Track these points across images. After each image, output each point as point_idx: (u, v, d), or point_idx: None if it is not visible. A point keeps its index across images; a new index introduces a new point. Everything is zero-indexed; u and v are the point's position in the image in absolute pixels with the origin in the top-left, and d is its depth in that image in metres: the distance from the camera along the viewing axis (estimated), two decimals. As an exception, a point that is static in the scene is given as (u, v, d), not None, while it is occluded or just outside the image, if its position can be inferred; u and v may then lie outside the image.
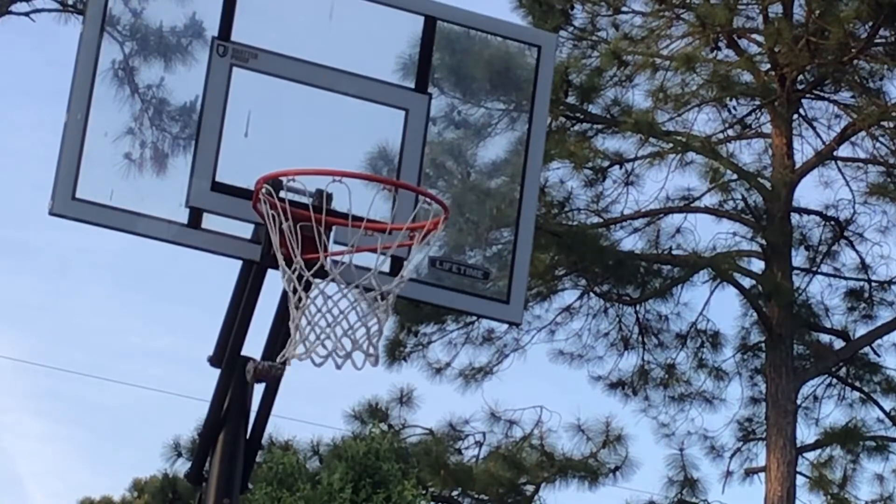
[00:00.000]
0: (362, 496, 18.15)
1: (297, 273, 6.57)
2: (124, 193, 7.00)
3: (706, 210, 19.66)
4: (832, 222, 20.13)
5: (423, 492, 18.97)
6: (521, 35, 8.02)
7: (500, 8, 18.00)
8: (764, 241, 19.23)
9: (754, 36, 19.56)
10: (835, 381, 20.27)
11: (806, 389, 19.66)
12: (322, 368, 6.55)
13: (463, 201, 7.89)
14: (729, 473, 19.98)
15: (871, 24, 18.28)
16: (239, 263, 7.11)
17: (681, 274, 19.15)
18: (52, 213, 6.83)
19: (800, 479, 18.93)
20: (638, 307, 19.68)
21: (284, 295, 7.01)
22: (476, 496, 19.80)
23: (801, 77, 19.36)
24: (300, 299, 6.56)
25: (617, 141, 19.22)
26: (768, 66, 19.44)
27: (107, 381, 43.71)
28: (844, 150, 20.00)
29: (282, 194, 6.64)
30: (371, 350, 6.52)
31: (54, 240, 44.32)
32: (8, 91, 40.27)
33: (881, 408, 19.96)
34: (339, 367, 6.50)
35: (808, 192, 30.03)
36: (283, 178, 6.64)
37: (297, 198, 6.66)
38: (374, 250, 6.71)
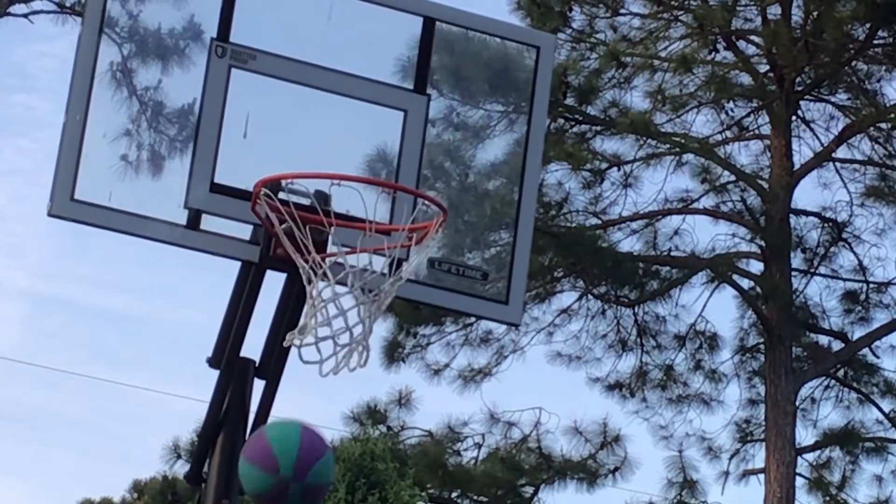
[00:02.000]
0: (358, 497, 18.13)
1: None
2: (123, 195, 7.00)
3: (704, 211, 19.67)
4: (830, 224, 20.13)
5: (420, 492, 18.95)
6: (520, 36, 8.02)
7: (498, 10, 18.02)
8: (762, 243, 19.24)
9: (752, 37, 19.56)
10: (833, 382, 20.27)
11: (804, 391, 19.67)
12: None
13: (461, 203, 7.88)
14: (728, 475, 19.99)
15: (868, 25, 18.30)
16: (238, 264, 7.11)
17: (679, 275, 19.15)
18: (50, 215, 6.83)
19: (799, 481, 18.93)
20: (636, 309, 19.68)
21: (284, 296, 7.01)
22: (475, 498, 19.80)
23: (799, 78, 19.36)
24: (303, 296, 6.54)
25: (615, 143, 19.25)
26: (766, 67, 19.44)
27: (107, 382, 43.74)
28: (842, 152, 20.03)
29: (280, 196, 6.64)
30: (363, 347, 6.50)
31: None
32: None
33: (880, 409, 19.97)
34: (336, 372, 6.48)
35: (807, 194, 30.04)
36: (282, 181, 6.64)
37: (295, 199, 6.65)
38: (373, 252, 6.70)
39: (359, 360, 6.52)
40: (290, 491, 5.07)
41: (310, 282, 6.55)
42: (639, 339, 19.85)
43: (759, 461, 19.56)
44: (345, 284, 6.57)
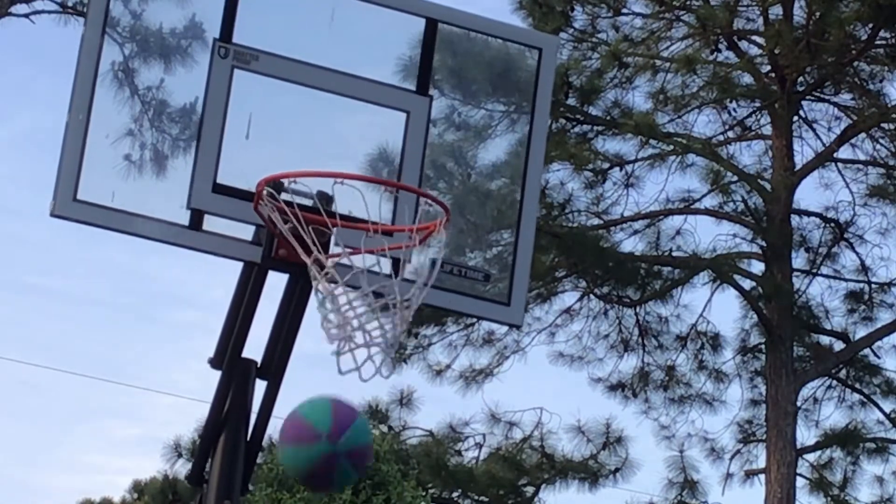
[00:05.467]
0: (362, 497, 18.14)
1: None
2: (125, 195, 7.00)
3: (706, 212, 19.67)
4: (832, 224, 20.13)
5: (423, 493, 18.97)
6: (521, 37, 8.01)
7: (500, 10, 18.03)
8: (764, 243, 19.24)
9: (755, 37, 19.56)
10: (835, 382, 20.28)
11: (806, 391, 19.67)
12: (323, 369, 6.55)
13: (464, 203, 7.88)
14: (729, 475, 19.99)
15: (871, 25, 18.29)
16: (240, 265, 7.11)
17: (681, 276, 19.15)
18: (53, 215, 6.83)
19: (800, 481, 18.93)
20: (638, 309, 19.68)
21: (286, 296, 7.01)
22: (476, 497, 19.81)
23: (801, 79, 19.37)
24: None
25: (617, 143, 19.25)
26: (768, 67, 19.44)
27: (108, 382, 43.76)
28: (844, 152, 20.03)
29: (283, 196, 6.64)
30: (387, 353, 6.48)
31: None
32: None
33: (881, 409, 19.97)
34: (341, 372, 6.47)
35: (809, 194, 30.05)
36: (284, 180, 6.64)
37: (298, 200, 6.66)
38: (374, 252, 6.70)
39: (381, 367, 6.49)
40: (337, 462, 5.31)
41: (315, 280, 6.55)
42: (641, 340, 19.85)
43: (760, 461, 19.56)
44: (354, 287, 6.57)
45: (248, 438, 7.09)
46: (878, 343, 19.85)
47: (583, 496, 19.21)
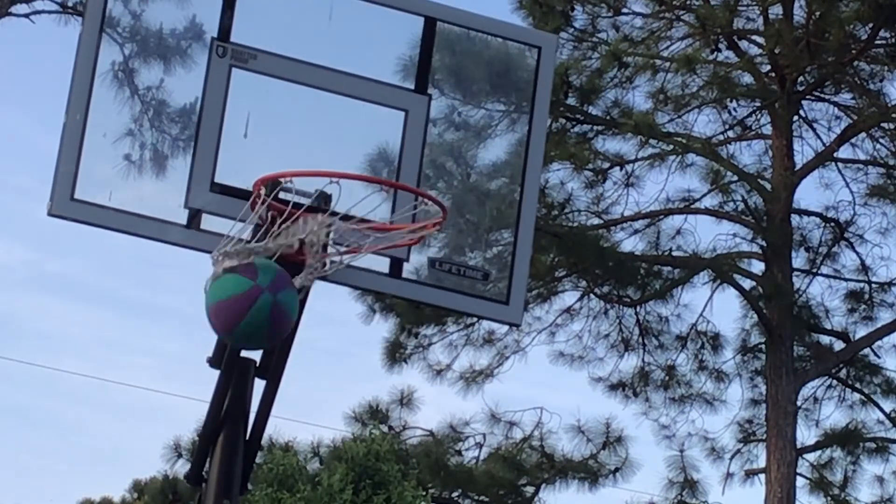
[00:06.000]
0: (362, 497, 18.14)
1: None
2: (123, 194, 7.00)
3: (706, 211, 19.67)
4: (832, 224, 20.14)
5: (423, 493, 18.96)
6: (521, 36, 8.00)
7: (500, 9, 18.03)
8: (764, 243, 19.24)
9: (755, 37, 19.56)
10: (835, 382, 20.28)
11: (806, 391, 19.68)
12: (322, 372, 6.55)
13: (463, 202, 7.88)
14: (729, 475, 19.99)
15: (871, 25, 18.28)
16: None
17: (681, 275, 19.15)
18: (50, 214, 6.82)
19: (800, 481, 18.93)
20: (638, 308, 19.68)
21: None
22: (476, 497, 19.81)
23: (801, 78, 19.37)
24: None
25: (617, 142, 19.25)
26: (768, 67, 19.44)
27: (107, 382, 43.79)
28: (844, 152, 20.03)
29: (280, 195, 6.63)
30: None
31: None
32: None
33: (881, 409, 19.97)
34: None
35: (809, 194, 30.09)
36: (282, 180, 6.63)
37: (295, 199, 6.65)
38: (373, 252, 6.70)
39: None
40: (260, 299, 5.87)
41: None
42: (641, 339, 19.85)
43: (760, 461, 19.57)
44: (345, 284, 6.58)
45: (247, 438, 7.08)
46: (879, 343, 19.86)
47: (583, 496, 19.23)
